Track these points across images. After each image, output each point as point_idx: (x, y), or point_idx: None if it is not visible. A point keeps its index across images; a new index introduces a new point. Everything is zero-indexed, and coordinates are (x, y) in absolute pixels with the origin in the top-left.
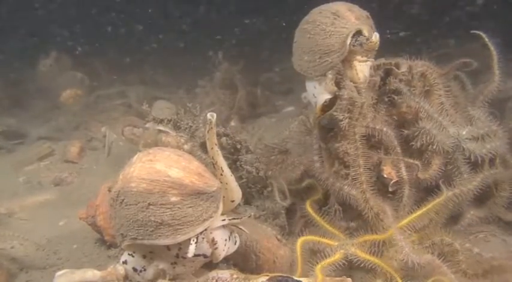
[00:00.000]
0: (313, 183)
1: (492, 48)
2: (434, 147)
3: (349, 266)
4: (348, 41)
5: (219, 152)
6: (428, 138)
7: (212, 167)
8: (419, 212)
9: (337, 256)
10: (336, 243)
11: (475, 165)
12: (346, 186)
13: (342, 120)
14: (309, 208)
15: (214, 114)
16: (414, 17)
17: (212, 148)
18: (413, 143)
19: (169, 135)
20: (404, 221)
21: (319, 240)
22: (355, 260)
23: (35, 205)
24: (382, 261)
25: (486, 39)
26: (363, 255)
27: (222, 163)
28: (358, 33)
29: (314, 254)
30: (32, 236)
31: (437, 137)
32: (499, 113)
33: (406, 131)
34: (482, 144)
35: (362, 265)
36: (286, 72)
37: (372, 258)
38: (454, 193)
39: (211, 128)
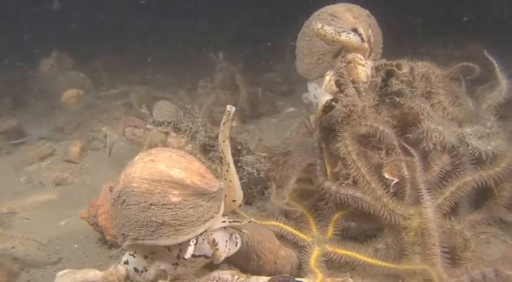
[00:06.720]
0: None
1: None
2: (444, 142)
3: (351, 265)
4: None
5: (229, 147)
6: (438, 135)
7: (219, 161)
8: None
9: (315, 253)
10: (310, 239)
11: (479, 162)
12: (342, 189)
13: (339, 111)
14: (290, 195)
15: (234, 107)
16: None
17: (224, 141)
18: (424, 145)
19: (170, 136)
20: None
21: (293, 231)
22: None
23: (36, 205)
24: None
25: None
26: (341, 251)
27: (230, 159)
28: (354, 31)
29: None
30: (33, 236)
31: (444, 133)
32: (503, 112)
33: (410, 135)
34: (487, 142)
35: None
36: (287, 72)
37: (349, 253)
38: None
39: (228, 120)
